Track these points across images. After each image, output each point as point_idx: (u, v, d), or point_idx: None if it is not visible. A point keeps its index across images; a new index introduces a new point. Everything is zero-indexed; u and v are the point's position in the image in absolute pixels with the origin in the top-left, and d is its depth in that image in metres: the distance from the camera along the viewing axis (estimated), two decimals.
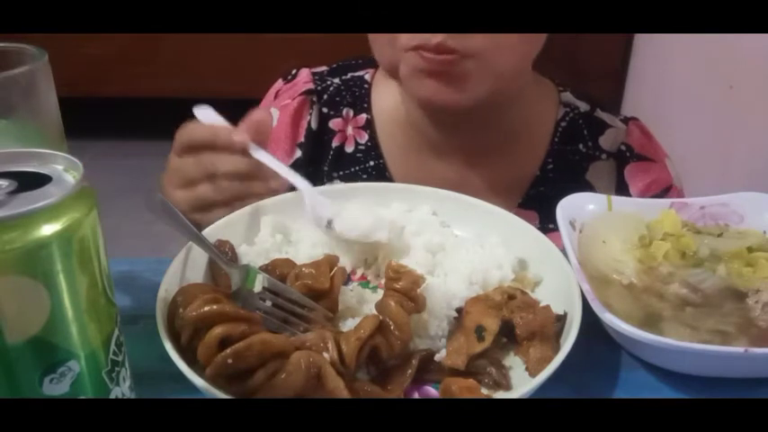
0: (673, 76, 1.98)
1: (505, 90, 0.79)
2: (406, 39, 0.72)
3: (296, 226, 0.64)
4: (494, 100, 0.78)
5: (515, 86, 0.83)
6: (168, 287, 0.54)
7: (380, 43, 0.76)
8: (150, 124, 2.01)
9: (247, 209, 0.66)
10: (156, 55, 2.54)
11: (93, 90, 2.55)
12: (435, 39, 0.69)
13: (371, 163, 0.90)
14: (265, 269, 0.58)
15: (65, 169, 0.39)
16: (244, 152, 0.65)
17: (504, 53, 0.73)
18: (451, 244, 0.64)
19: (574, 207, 0.66)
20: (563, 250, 0.61)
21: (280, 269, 0.58)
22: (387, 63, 0.78)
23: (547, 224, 0.63)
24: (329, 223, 0.62)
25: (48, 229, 0.35)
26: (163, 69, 2.58)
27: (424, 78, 0.73)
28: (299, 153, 0.91)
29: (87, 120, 2.00)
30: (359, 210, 0.63)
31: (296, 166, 0.91)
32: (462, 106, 0.76)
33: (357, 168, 0.90)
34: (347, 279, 0.60)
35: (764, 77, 1.54)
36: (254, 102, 0.99)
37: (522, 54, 0.77)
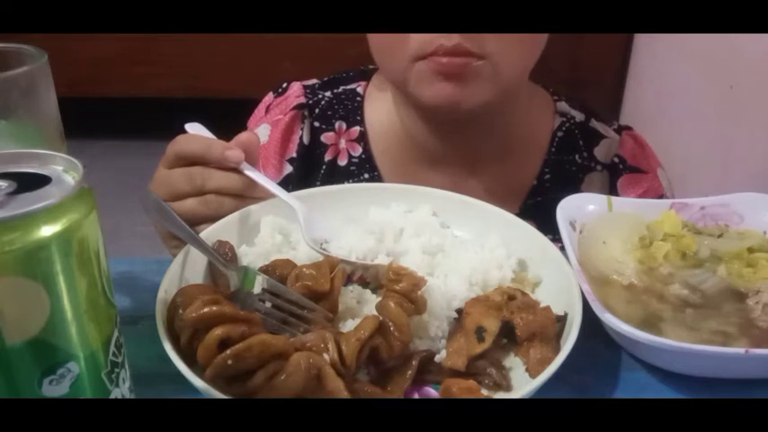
0: (673, 76, 1.98)
1: (509, 93, 0.80)
2: (419, 47, 0.72)
3: (296, 227, 0.64)
4: (494, 105, 0.78)
5: (516, 91, 0.83)
6: (168, 288, 0.54)
7: (389, 54, 0.76)
8: (150, 124, 2.01)
9: (248, 210, 0.66)
10: (156, 55, 2.54)
11: (92, 90, 2.55)
12: (452, 41, 0.70)
13: (366, 175, 0.90)
14: (265, 270, 0.58)
15: (64, 170, 0.39)
16: (234, 169, 0.65)
17: (513, 55, 0.74)
18: (451, 245, 0.64)
19: (574, 208, 0.66)
20: (563, 250, 0.61)
21: (280, 270, 0.58)
22: (395, 73, 0.77)
23: (545, 234, 0.63)
24: (323, 245, 0.62)
25: (47, 231, 0.35)
26: (163, 69, 2.58)
27: (438, 82, 0.73)
28: (289, 168, 0.91)
29: (87, 120, 2.00)
30: (356, 233, 0.63)
31: (287, 181, 0.91)
32: (471, 108, 0.76)
33: (351, 181, 0.90)
34: (347, 280, 0.60)
35: (764, 77, 1.54)
36: (253, 102, 0.99)
37: (529, 56, 0.78)
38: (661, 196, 0.90)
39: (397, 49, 0.74)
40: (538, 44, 0.77)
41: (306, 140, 0.91)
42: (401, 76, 0.76)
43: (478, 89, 0.74)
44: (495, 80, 0.74)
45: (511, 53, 0.73)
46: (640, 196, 0.88)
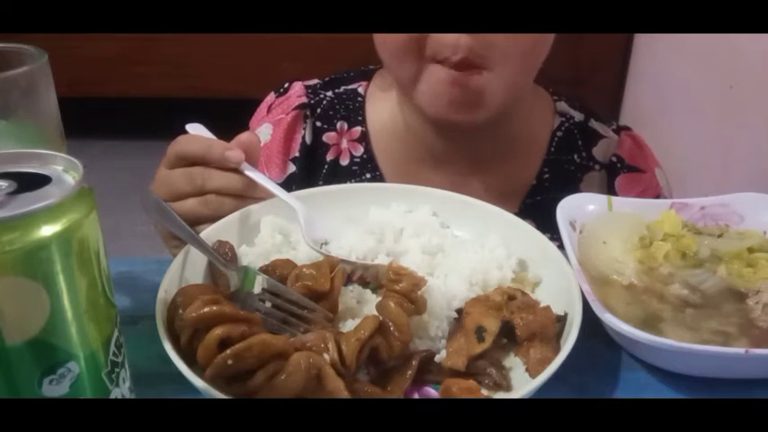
0: (673, 76, 1.98)
1: (514, 100, 0.80)
2: (433, 51, 0.72)
3: (296, 227, 0.64)
4: (499, 111, 0.78)
5: (521, 95, 0.84)
6: (168, 288, 0.54)
7: (401, 60, 0.76)
8: (150, 124, 2.01)
9: (248, 210, 0.66)
10: (156, 55, 2.54)
11: (93, 90, 2.55)
12: (456, 56, 0.71)
13: (368, 175, 0.90)
14: (265, 270, 0.58)
15: (64, 170, 0.39)
16: (235, 169, 0.65)
17: (519, 66, 0.75)
18: (451, 245, 0.64)
19: (574, 208, 0.66)
20: (562, 250, 0.61)
21: (280, 270, 0.58)
22: (406, 76, 0.78)
23: (544, 233, 0.64)
24: (323, 246, 0.62)
25: (47, 230, 0.35)
26: (163, 69, 2.58)
27: (446, 95, 0.74)
28: (292, 168, 0.91)
29: (87, 120, 2.00)
30: (356, 233, 0.63)
31: (290, 181, 0.91)
32: (475, 121, 0.77)
33: (353, 181, 0.90)
34: (347, 280, 0.60)
35: (764, 77, 1.54)
36: (253, 102, 0.99)
37: (533, 66, 0.78)
38: (658, 196, 0.91)
39: (410, 54, 0.74)
40: (542, 53, 0.78)
41: (308, 140, 0.92)
42: (410, 80, 0.76)
43: (485, 101, 0.75)
44: (500, 92, 0.75)
45: (517, 64, 0.74)
46: (638, 196, 0.89)
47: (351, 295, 0.58)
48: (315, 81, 0.96)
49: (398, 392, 0.51)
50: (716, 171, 1.72)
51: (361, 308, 0.57)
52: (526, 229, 0.65)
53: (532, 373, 0.52)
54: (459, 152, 0.87)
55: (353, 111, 0.92)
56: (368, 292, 0.59)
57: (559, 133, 0.90)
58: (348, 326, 0.55)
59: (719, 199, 0.70)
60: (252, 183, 0.65)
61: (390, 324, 0.51)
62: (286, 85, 0.96)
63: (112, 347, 0.41)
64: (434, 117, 0.79)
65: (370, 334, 0.50)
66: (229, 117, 1.03)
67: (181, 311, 0.50)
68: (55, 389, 0.38)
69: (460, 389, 0.50)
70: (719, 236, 0.65)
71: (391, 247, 0.62)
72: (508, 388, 0.52)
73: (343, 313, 0.57)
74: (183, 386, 0.46)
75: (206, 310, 0.47)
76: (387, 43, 0.77)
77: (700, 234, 0.65)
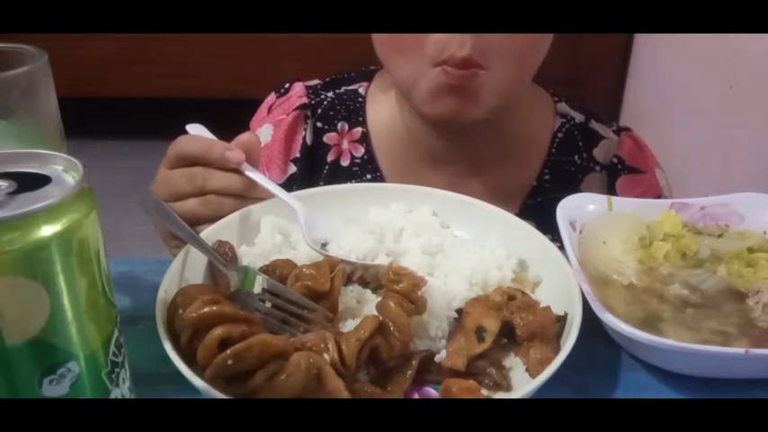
0: (673, 76, 1.98)
1: (511, 100, 0.80)
2: (434, 53, 0.72)
3: (296, 227, 0.64)
4: (497, 111, 0.78)
5: (519, 95, 0.84)
6: (168, 288, 0.54)
7: (402, 57, 0.76)
8: (150, 124, 2.01)
9: (248, 210, 0.66)
10: (156, 55, 2.54)
11: (92, 90, 2.55)
12: (461, 53, 0.71)
13: (368, 176, 0.90)
14: (265, 270, 0.58)
15: (64, 170, 0.39)
16: (235, 170, 0.65)
17: (518, 65, 0.75)
18: (451, 245, 0.64)
19: (574, 207, 0.66)
20: (562, 250, 0.61)
21: (280, 270, 0.58)
22: (406, 79, 0.77)
23: (544, 234, 0.64)
24: (323, 246, 0.62)
25: (47, 230, 0.35)
26: (163, 69, 2.58)
27: (446, 96, 0.74)
28: (293, 168, 0.91)
29: (87, 120, 2.00)
30: (356, 233, 0.63)
31: (291, 181, 0.91)
32: (473, 119, 0.77)
33: (354, 182, 0.90)
34: (347, 280, 0.60)
35: (764, 77, 1.54)
36: (253, 102, 0.99)
37: (532, 64, 0.78)
38: (659, 196, 0.91)
39: (413, 53, 0.74)
40: (540, 52, 0.78)
41: (309, 141, 0.92)
42: (412, 80, 0.76)
43: (482, 100, 0.75)
44: (499, 90, 0.75)
45: (515, 63, 0.74)
46: (639, 197, 0.89)
47: (351, 295, 0.58)
48: (315, 81, 0.96)
49: (398, 392, 0.51)
50: (716, 171, 1.72)
51: (361, 308, 0.57)
52: (526, 229, 0.65)
53: (532, 373, 0.52)
54: (460, 153, 0.87)
55: (354, 111, 0.92)
56: (368, 292, 0.59)
57: (560, 134, 0.90)
58: (348, 326, 0.55)
59: (719, 199, 0.70)
60: (252, 183, 0.65)
61: (390, 324, 0.51)
62: (287, 85, 0.96)
63: (112, 347, 0.41)
64: (432, 118, 0.79)
65: (370, 334, 0.50)
66: (229, 117, 1.03)
67: (181, 311, 0.50)
68: (55, 389, 0.38)
69: (460, 389, 0.50)
70: (719, 236, 0.65)
71: (391, 247, 0.62)
72: (508, 388, 0.52)
73: (343, 313, 0.57)
74: (183, 386, 0.46)
75: (206, 310, 0.47)
76: (386, 44, 0.77)
77: (700, 234, 0.65)
